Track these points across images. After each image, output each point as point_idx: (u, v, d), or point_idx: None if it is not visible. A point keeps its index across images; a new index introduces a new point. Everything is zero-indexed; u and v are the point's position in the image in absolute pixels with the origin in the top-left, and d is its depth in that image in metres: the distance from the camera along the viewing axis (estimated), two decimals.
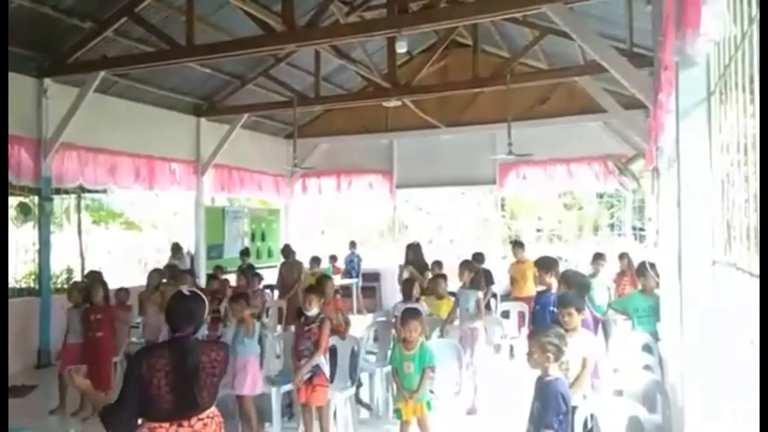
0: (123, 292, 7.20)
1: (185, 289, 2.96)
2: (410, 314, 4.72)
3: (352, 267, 13.01)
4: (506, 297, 9.19)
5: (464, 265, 6.78)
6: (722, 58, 2.60)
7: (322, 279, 6.41)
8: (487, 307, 8.04)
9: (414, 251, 8.98)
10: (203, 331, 3.48)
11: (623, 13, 7.39)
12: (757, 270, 1.97)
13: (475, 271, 6.91)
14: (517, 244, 9.34)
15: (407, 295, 6.38)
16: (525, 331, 7.88)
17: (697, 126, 2.99)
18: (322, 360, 4.86)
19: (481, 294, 6.63)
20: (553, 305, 4.65)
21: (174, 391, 2.65)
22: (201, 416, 2.74)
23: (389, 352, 6.15)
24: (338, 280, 10.94)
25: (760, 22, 1.90)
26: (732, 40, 2.37)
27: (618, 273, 8.32)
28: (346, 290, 11.50)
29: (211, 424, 2.78)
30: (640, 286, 6.37)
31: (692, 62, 2.87)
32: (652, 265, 6.06)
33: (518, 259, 9.00)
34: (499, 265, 10.64)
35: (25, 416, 5.77)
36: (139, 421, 2.71)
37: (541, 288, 5.39)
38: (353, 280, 12.68)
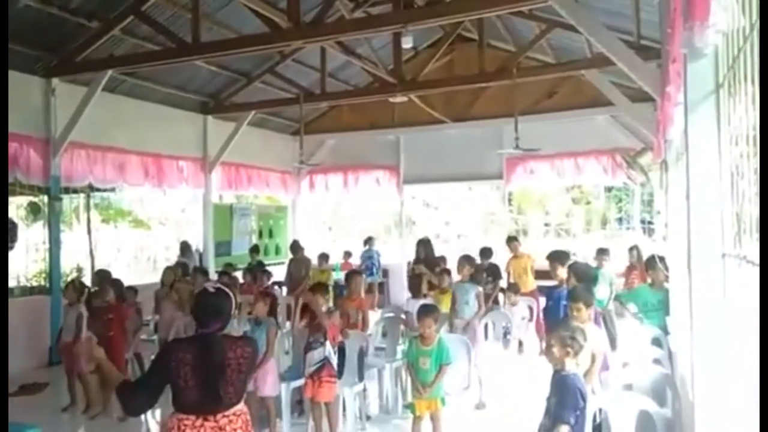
0: (131, 291, 7.23)
1: (210, 286, 2.94)
2: (424, 310, 4.75)
3: (371, 263, 12.69)
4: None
5: (464, 259, 6.85)
6: (731, 50, 2.58)
7: (351, 275, 6.36)
8: (495, 301, 8.06)
9: (425, 247, 9.00)
10: (231, 326, 3.56)
11: (630, 4, 7.34)
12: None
13: (475, 266, 6.95)
14: (512, 240, 9.30)
15: (414, 291, 6.40)
16: (533, 325, 7.89)
17: (706, 118, 2.97)
18: (331, 352, 4.87)
19: (480, 288, 6.69)
20: (566, 300, 4.66)
21: (199, 386, 2.66)
22: (227, 413, 2.73)
23: (399, 348, 6.19)
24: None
25: (760, 23, 1.89)
26: (741, 31, 2.35)
27: (627, 266, 8.29)
28: None
29: (236, 420, 2.75)
30: (649, 280, 6.35)
31: (700, 54, 2.85)
32: (662, 259, 6.03)
33: (515, 255, 8.95)
34: (506, 260, 10.61)
35: (37, 414, 5.81)
36: (156, 412, 2.75)
37: (551, 282, 5.40)
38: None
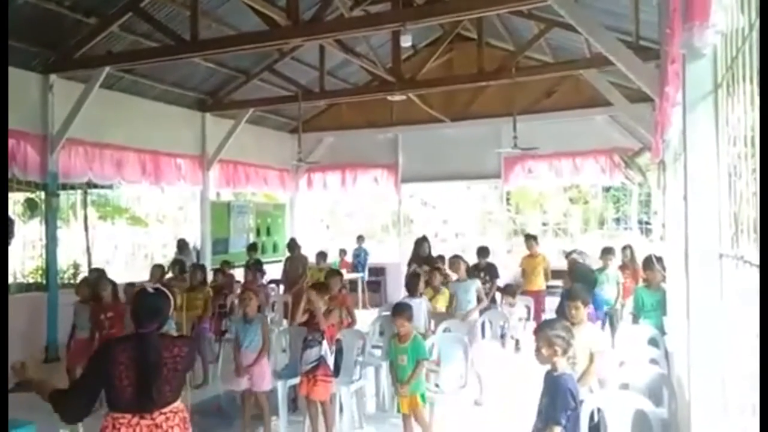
0: (131, 288, 7.19)
1: (149, 287, 2.98)
2: (396, 310, 4.83)
3: (359, 261, 13.04)
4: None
5: (456, 258, 6.92)
6: (730, 50, 2.58)
7: (329, 274, 6.44)
8: (493, 300, 8.07)
9: (426, 246, 9.03)
10: (168, 326, 3.66)
11: (629, 5, 7.34)
12: None
13: (467, 263, 7.06)
14: (530, 237, 9.33)
15: (412, 290, 6.38)
16: (530, 324, 7.90)
17: (704, 119, 2.97)
18: (327, 351, 4.88)
19: (479, 282, 6.75)
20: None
21: (135, 385, 2.68)
22: (164, 410, 2.76)
23: None
24: (345, 275, 10.95)
25: (760, 23, 1.89)
26: (740, 31, 2.35)
27: (619, 266, 8.29)
28: (351, 284, 11.52)
29: (173, 418, 2.80)
30: (641, 280, 6.35)
31: (699, 54, 2.85)
32: (659, 259, 6.04)
33: (531, 253, 8.99)
34: (503, 260, 10.64)
35: (32, 411, 5.79)
36: (103, 416, 2.75)
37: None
38: (359, 275, 12.71)
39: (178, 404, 2.84)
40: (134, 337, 2.82)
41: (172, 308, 3.00)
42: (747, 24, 2.20)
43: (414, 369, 4.57)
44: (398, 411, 4.73)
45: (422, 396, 4.64)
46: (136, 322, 2.85)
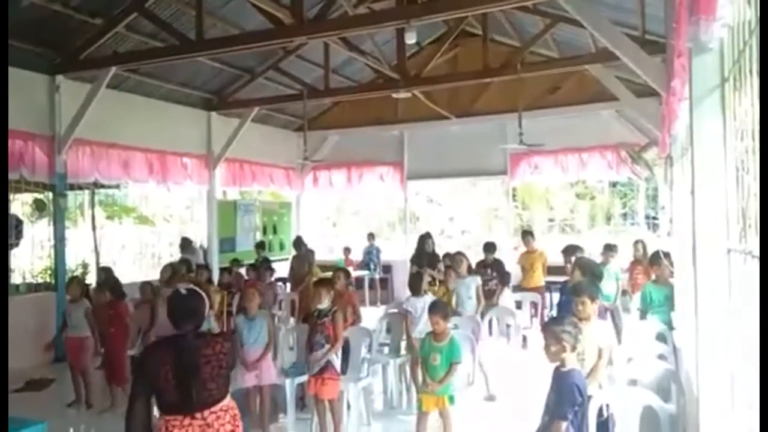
0: (147, 286, 7.23)
1: (182, 288, 2.97)
2: (432, 307, 4.78)
3: (370, 259, 13.04)
4: (517, 287, 9.16)
5: (458, 255, 6.88)
6: (736, 44, 2.57)
7: (336, 271, 6.43)
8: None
9: (429, 243, 9.01)
10: (207, 325, 3.71)
11: None
12: None
13: (469, 261, 7.04)
14: (527, 234, 9.31)
15: (415, 289, 6.36)
16: (537, 321, 7.90)
17: (711, 113, 2.96)
18: (333, 356, 4.88)
19: (479, 280, 6.72)
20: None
21: (179, 386, 2.70)
22: (213, 409, 2.77)
23: (403, 344, 6.21)
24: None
25: (760, 23, 1.88)
26: (746, 25, 2.34)
27: (632, 261, 8.23)
28: (357, 282, 11.53)
29: (224, 416, 2.80)
30: (653, 276, 6.32)
31: (706, 48, 2.83)
32: (667, 254, 6.02)
33: (528, 249, 8.98)
34: (510, 256, 10.62)
35: (43, 409, 5.85)
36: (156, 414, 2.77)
37: (565, 277, 5.41)
38: (365, 272, 12.72)
39: (227, 402, 2.85)
40: (173, 338, 2.85)
41: (208, 307, 3.00)
42: (754, 17, 2.19)
43: (448, 371, 4.50)
44: (418, 409, 4.68)
45: (451, 398, 4.60)
46: (173, 324, 2.87)
